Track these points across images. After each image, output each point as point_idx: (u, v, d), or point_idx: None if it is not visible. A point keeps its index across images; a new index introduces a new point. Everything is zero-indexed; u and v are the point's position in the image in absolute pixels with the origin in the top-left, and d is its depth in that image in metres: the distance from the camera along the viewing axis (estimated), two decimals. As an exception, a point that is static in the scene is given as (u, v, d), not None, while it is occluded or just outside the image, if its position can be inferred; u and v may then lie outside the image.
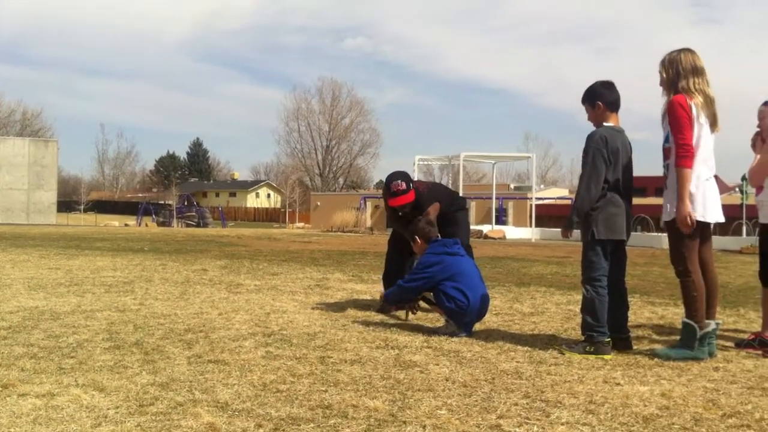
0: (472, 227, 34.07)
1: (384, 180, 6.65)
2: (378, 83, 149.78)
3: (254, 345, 4.82)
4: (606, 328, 4.84)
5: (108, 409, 3.32)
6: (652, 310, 7.12)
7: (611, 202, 4.91)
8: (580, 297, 8.01)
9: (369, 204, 46.98)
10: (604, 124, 5.02)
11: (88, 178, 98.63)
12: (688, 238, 4.76)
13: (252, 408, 3.37)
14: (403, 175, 6.46)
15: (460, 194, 7.32)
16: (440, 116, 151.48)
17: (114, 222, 47.21)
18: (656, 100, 5.02)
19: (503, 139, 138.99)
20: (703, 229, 4.86)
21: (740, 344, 5.20)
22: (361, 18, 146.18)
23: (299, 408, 3.38)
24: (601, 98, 5.04)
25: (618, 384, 3.99)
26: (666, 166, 4.87)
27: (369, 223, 43.02)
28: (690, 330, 4.71)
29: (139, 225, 45.62)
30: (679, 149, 4.70)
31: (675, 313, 6.90)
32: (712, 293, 4.91)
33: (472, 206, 47.72)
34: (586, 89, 5.14)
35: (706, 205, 4.75)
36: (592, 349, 4.77)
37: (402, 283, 5.74)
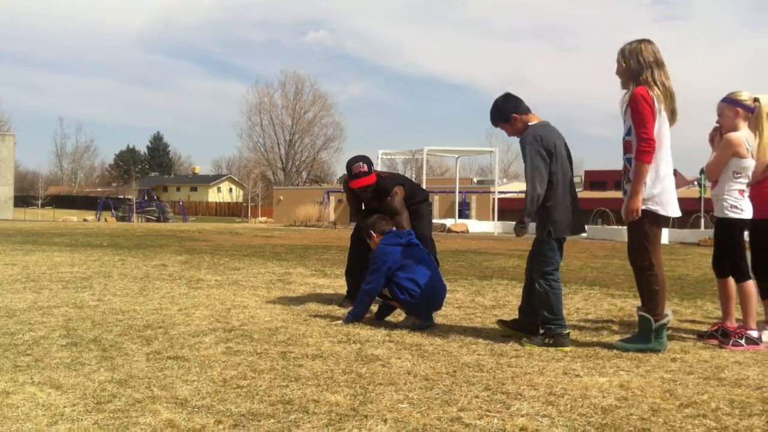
0: (435, 221, 34.21)
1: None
2: (341, 77, 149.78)
3: (214, 341, 4.78)
4: (563, 320, 4.93)
5: (64, 406, 3.26)
6: (611, 302, 7.20)
7: (563, 195, 4.98)
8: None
9: (332, 198, 46.90)
10: (530, 124, 5.11)
11: (46, 172, 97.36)
12: (651, 233, 4.82)
13: (212, 404, 3.33)
14: (365, 159, 6.42)
15: (423, 188, 7.29)
16: (403, 111, 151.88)
17: (72, 217, 46.54)
18: (616, 97, 5.04)
19: (466, 133, 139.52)
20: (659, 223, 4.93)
21: (703, 335, 5.29)
22: (322, 12, 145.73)
23: (260, 403, 3.36)
24: (513, 111, 5.16)
25: (577, 375, 4.03)
26: (628, 160, 4.89)
27: (332, 217, 42.93)
28: (646, 323, 4.77)
29: (99, 220, 45.00)
30: (641, 143, 4.71)
31: (634, 305, 6.98)
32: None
33: (436, 200, 47.86)
34: (491, 112, 5.26)
35: (666, 199, 4.81)
36: (551, 341, 4.83)
37: (362, 294, 5.64)
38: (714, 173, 5.22)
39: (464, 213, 42.20)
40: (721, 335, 5.13)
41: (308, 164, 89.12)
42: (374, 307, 5.82)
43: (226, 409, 3.26)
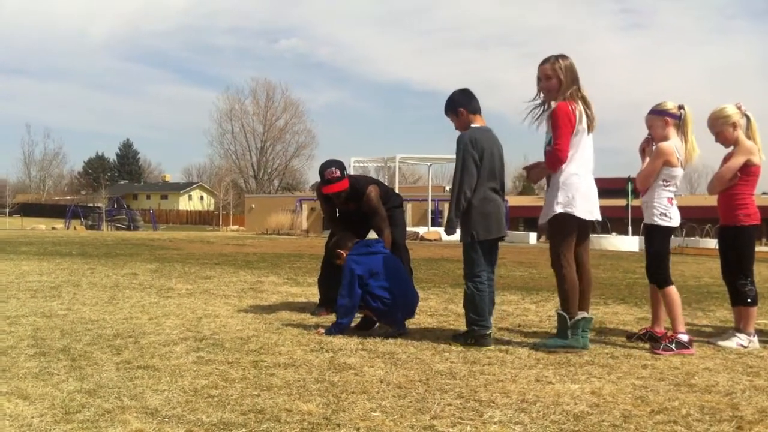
0: (408, 229, 34.19)
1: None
2: (313, 85, 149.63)
3: (185, 350, 4.73)
4: (487, 321, 5.15)
5: (32, 417, 3.20)
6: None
7: (486, 199, 5.16)
8: (514, 297, 8.15)
9: (305, 206, 46.77)
10: (472, 126, 5.27)
11: (13, 180, 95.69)
12: (563, 235, 5.01)
13: (182, 414, 3.30)
14: (337, 163, 6.32)
15: (398, 193, 7.26)
16: (376, 118, 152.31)
17: (41, 225, 45.90)
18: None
19: (438, 141, 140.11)
20: (581, 228, 5.07)
21: (631, 336, 5.48)
22: (293, 19, 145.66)
23: (231, 413, 3.33)
24: (461, 105, 5.32)
25: (550, 382, 4.04)
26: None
27: (305, 225, 42.82)
28: (562, 320, 4.97)
29: (68, 228, 44.44)
30: (554, 152, 4.94)
31: (605, 312, 7.06)
32: (588, 288, 5.13)
33: (408, 208, 47.86)
34: (446, 101, 5.41)
35: (579, 203, 4.97)
36: (473, 341, 5.06)
37: (341, 309, 5.54)
38: (646, 182, 5.30)
39: (437, 221, 42.29)
40: (649, 339, 5.29)
41: (280, 172, 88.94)
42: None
43: (197, 419, 3.22)
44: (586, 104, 5.02)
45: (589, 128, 5.04)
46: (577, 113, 4.94)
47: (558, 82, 5.02)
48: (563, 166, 4.98)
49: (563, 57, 5.08)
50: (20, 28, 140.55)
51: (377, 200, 6.36)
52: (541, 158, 5.17)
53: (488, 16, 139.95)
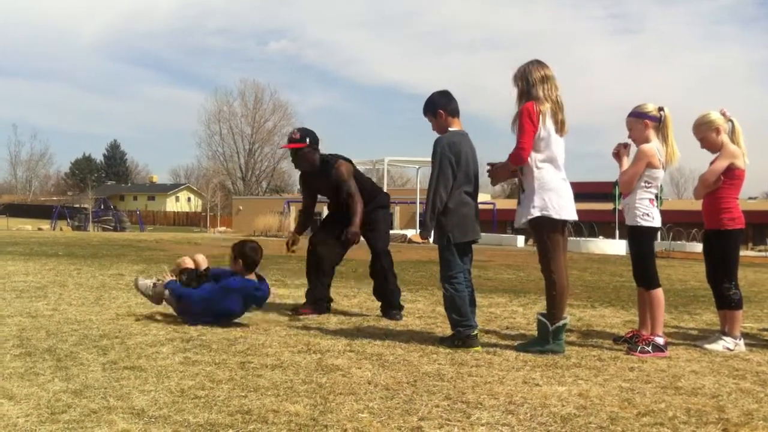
0: (396, 232, 34.26)
1: None
2: (302, 87, 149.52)
3: (172, 351, 4.71)
4: (471, 320, 5.15)
5: (18, 417, 3.18)
6: (569, 311, 7.24)
7: (462, 203, 5.19)
8: (501, 300, 8.17)
9: (293, 208, 46.71)
10: (449, 129, 5.29)
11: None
12: (550, 239, 5.03)
13: (169, 414, 3.28)
14: (305, 131, 6.61)
15: (386, 192, 7.26)
16: (364, 121, 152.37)
17: (27, 226, 45.58)
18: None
19: (427, 144, 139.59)
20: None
21: (617, 340, 5.50)
22: (283, 22, 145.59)
23: (218, 414, 3.31)
24: (441, 106, 5.33)
25: (537, 384, 4.05)
26: (520, 170, 5.13)
27: (292, 227, 42.76)
28: (543, 326, 5.00)
29: (54, 229, 44.20)
30: (515, 150, 5.01)
31: (592, 315, 7.08)
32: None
33: (396, 211, 47.89)
34: (426, 101, 5.42)
35: (559, 204, 5.01)
36: (460, 343, 5.06)
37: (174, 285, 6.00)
38: (629, 185, 5.32)
39: (424, 224, 42.25)
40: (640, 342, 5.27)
41: (268, 174, 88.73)
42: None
43: (184, 420, 3.21)
44: (557, 107, 5.06)
45: (559, 131, 5.07)
46: (541, 115, 4.98)
47: (518, 89, 5.15)
48: (536, 169, 5.02)
49: (524, 65, 5.17)
50: (7, 28, 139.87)
51: (348, 174, 6.51)
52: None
53: (477, 20, 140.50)
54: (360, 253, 8.24)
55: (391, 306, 6.53)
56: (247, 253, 5.88)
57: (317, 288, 6.61)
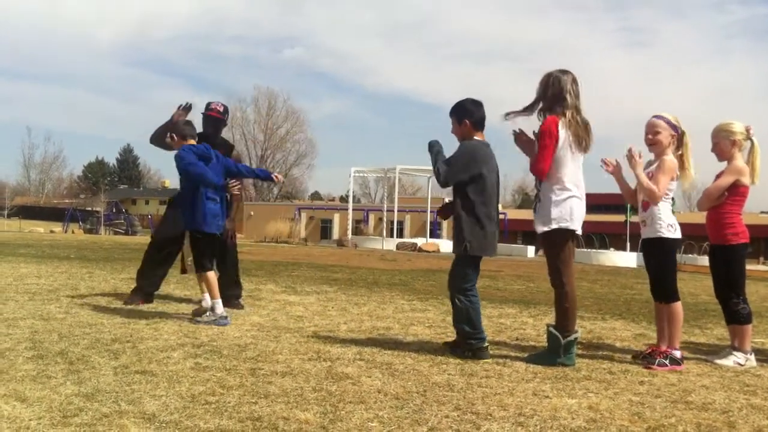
0: (406, 240, 34.24)
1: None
2: (315, 94, 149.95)
3: (183, 356, 4.73)
4: (483, 333, 5.16)
5: (30, 420, 3.21)
6: (579, 323, 7.23)
7: (490, 218, 5.18)
8: (512, 311, 8.15)
9: (303, 215, 46.80)
10: (475, 137, 5.27)
11: (13, 182, 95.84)
12: (563, 252, 5.03)
13: (180, 420, 3.30)
14: (227, 110, 7.63)
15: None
16: (377, 129, 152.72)
17: (39, 228, 45.81)
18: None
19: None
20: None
21: (637, 356, 5.42)
22: (298, 30, 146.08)
23: (228, 420, 3.33)
24: (468, 116, 5.28)
25: (547, 397, 4.04)
26: (538, 182, 5.15)
27: (303, 234, 42.83)
28: (554, 339, 4.97)
29: (66, 232, 44.40)
30: (536, 165, 5.02)
31: (603, 327, 7.06)
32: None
33: (407, 219, 47.86)
34: (456, 103, 5.37)
35: (573, 216, 5.02)
36: (470, 354, 5.07)
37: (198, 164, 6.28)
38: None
39: (435, 232, 42.29)
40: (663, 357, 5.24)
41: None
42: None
43: (195, 425, 3.23)
44: (579, 124, 5.03)
45: (581, 148, 5.05)
46: (563, 131, 4.97)
47: (539, 94, 5.14)
48: (554, 183, 5.02)
49: (557, 72, 5.12)
50: (24, 32, 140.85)
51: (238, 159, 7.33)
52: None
53: (491, 30, 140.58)
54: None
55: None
56: (178, 130, 6.46)
57: (149, 280, 7.55)
